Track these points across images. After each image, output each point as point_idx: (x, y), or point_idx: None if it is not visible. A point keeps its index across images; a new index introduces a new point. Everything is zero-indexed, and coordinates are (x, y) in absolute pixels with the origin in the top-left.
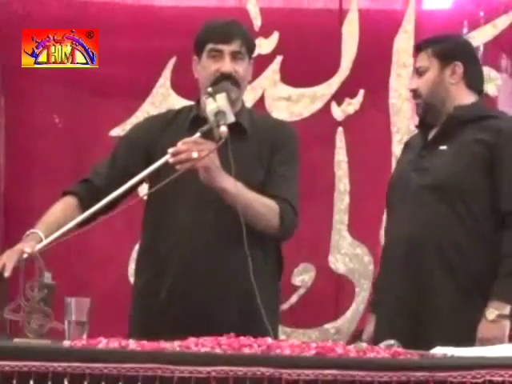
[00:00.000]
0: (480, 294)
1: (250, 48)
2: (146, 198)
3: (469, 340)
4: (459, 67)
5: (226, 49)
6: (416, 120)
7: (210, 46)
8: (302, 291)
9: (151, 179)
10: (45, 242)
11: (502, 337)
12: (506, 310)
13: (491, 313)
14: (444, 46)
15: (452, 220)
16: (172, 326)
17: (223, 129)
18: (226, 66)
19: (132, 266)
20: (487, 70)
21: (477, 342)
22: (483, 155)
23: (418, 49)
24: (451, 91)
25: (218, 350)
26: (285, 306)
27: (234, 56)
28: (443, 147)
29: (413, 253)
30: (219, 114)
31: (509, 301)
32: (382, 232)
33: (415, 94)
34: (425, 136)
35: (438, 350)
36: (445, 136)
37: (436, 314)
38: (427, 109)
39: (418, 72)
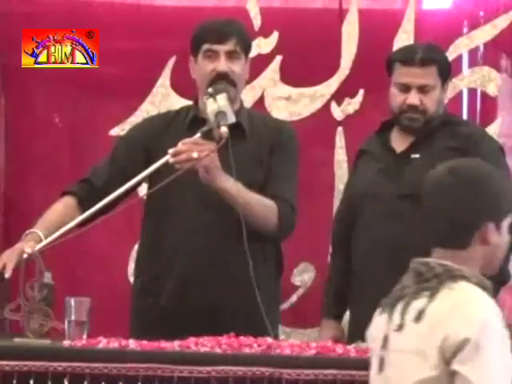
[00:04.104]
0: None
1: (246, 47)
2: (145, 198)
3: None
4: (447, 85)
5: (221, 49)
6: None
7: (205, 46)
8: (301, 291)
9: (151, 179)
10: (45, 242)
11: None
12: None
13: None
14: (445, 65)
15: None
16: (172, 327)
17: (224, 129)
18: (222, 65)
19: (132, 266)
20: (487, 70)
21: None
22: None
23: (422, 62)
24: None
25: (218, 350)
26: (285, 306)
27: (230, 55)
28: (415, 155)
29: (397, 259)
30: (220, 114)
31: None
32: None
33: (416, 109)
34: (382, 140)
35: None
36: (415, 144)
37: None
38: (427, 124)
39: (424, 90)
